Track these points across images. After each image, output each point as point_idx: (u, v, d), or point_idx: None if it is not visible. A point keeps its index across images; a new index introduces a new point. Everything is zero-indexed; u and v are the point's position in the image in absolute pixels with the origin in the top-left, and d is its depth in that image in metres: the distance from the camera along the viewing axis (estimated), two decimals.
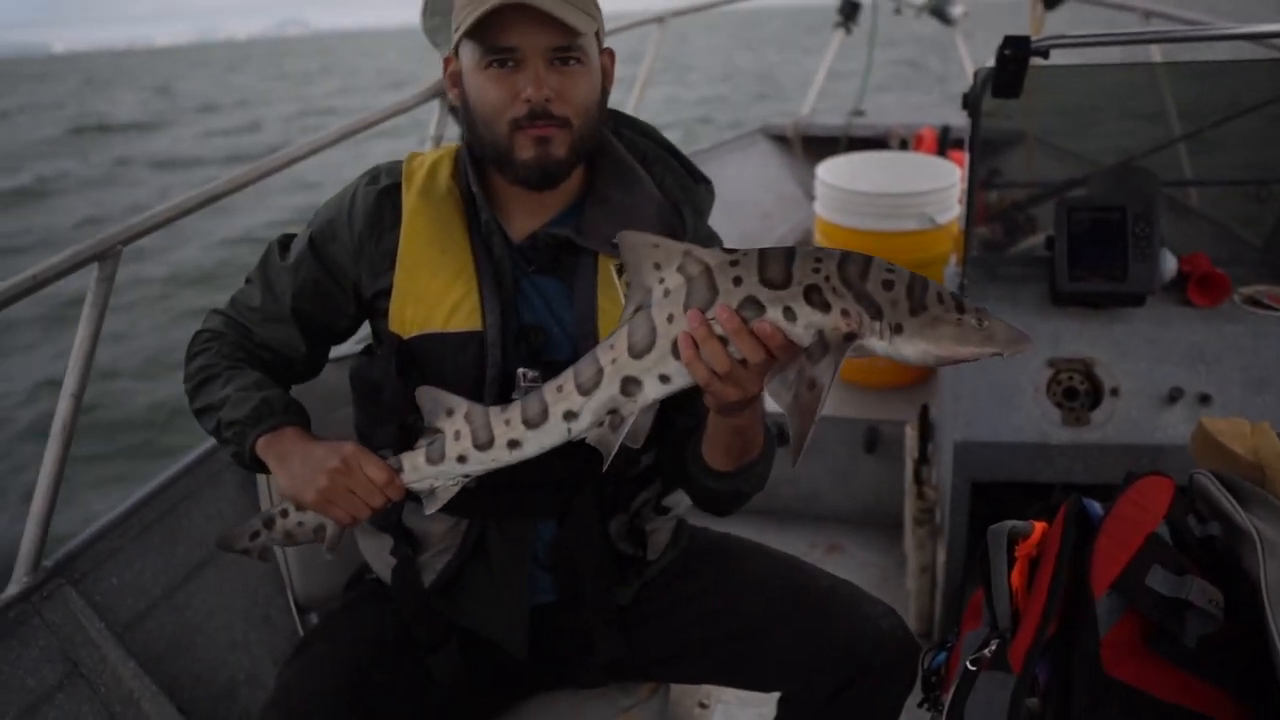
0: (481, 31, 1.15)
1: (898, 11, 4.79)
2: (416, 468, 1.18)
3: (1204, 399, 1.86)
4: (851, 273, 0.97)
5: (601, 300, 1.25)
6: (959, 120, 4.32)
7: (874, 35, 4.77)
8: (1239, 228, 2.48)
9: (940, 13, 4.57)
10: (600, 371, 1.07)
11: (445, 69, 1.28)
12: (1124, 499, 1.23)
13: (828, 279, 0.97)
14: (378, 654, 1.29)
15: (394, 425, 1.28)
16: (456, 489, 1.19)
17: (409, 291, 1.24)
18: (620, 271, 1.26)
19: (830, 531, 2.86)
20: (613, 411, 1.08)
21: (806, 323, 0.98)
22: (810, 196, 3.54)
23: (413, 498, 1.24)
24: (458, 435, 1.16)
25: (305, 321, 1.31)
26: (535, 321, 1.26)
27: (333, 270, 1.29)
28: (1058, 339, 1.93)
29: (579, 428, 1.10)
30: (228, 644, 1.82)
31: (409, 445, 1.22)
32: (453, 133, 2.81)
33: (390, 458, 1.20)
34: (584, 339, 1.24)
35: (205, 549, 1.85)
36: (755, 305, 0.99)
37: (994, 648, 1.23)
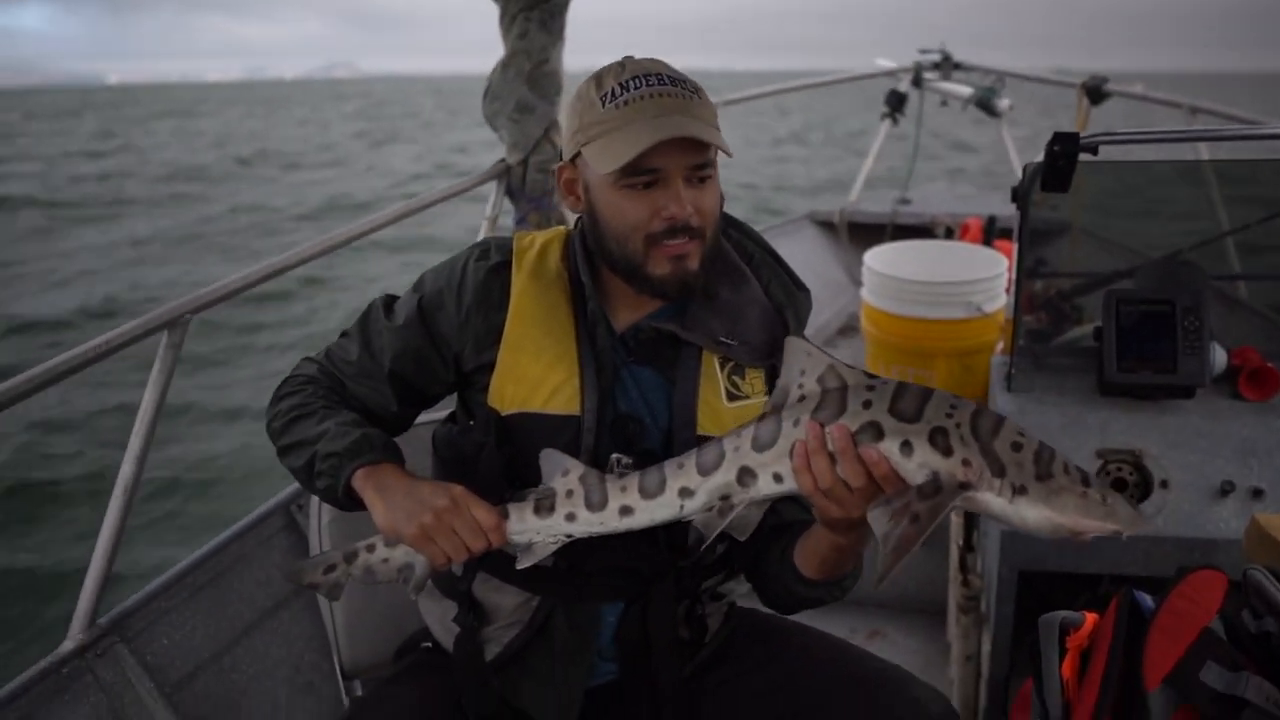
0: None
1: (944, 104, 4.87)
2: (523, 519, 1.18)
3: (1256, 493, 1.83)
4: (984, 426, 0.99)
5: (703, 393, 1.27)
6: (1004, 210, 4.37)
7: (919, 127, 4.85)
8: None
9: (986, 105, 4.64)
10: (722, 456, 1.10)
11: (559, 176, 1.30)
12: (1176, 593, 1.22)
13: (958, 426, 0.99)
14: None
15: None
16: (555, 547, 1.19)
17: (512, 370, 1.26)
18: (723, 366, 1.29)
19: (872, 617, 2.82)
20: (725, 497, 1.10)
21: (922, 461, 0.99)
22: (856, 282, 3.57)
23: (491, 564, 1.26)
24: (570, 494, 1.17)
25: (401, 384, 1.32)
26: (630, 410, 1.28)
27: (436, 339, 1.31)
28: (1106, 430, 1.92)
29: (692, 506, 1.12)
30: (271, 709, 1.84)
31: None
32: (508, 209, 2.91)
33: (497, 505, 1.21)
34: (681, 429, 1.26)
35: (254, 612, 1.87)
36: (875, 431, 1.01)
37: None
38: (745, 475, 1.09)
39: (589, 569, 1.25)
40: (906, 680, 1.32)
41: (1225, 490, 1.84)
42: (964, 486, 0.97)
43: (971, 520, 2.43)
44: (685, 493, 1.12)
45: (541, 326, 1.27)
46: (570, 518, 1.17)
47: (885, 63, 5.00)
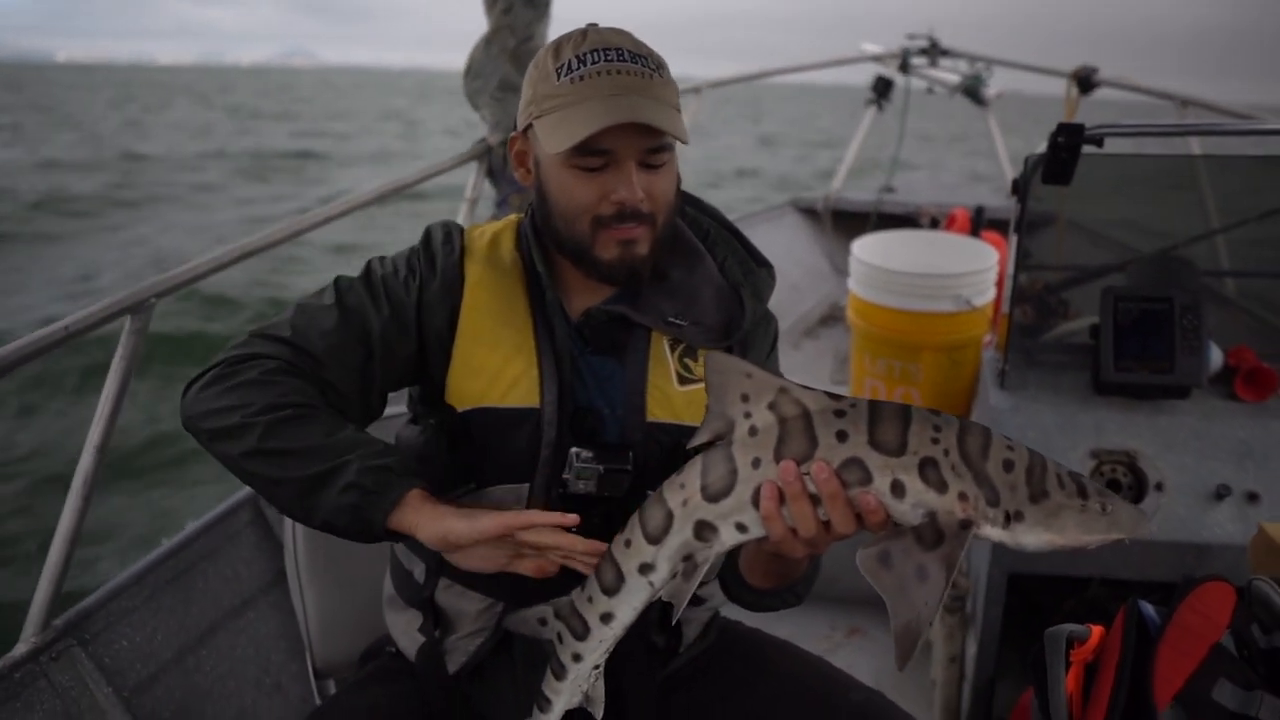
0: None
1: (930, 91, 4.83)
2: (555, 688, 1.12)
3: (1252, 497, 1.80)
4: (972, 447, 0.88)
5: (653, 376, 1.22)
6: (990, 200, 4.34)
7: (905, 114, 4.80)
8: (1278, 320, 2.44)
9: (973, 93, 4.60)
10: (670, 516, 0.97)
11: (511, 146, 1.24)
12: (1185, 606, 1.18)
13: (947, 453, 0.88)
14: None
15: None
16: (598, 678, 1.13)
17: (468, 363, 1.21)
18: (674, 349, 1.23)
19: (852, 614, 2.78)
20: (688, 558, 0.99)
21: (916, 501, 0.88)
22: (838, 271, 3.53)
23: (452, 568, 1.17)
24: (560, 637, 1.10)
25: (382, 364, 1.20)
26: (589, 402, 1.22)
27: (408, 312, 1.21)
28: (1100, 429, 1.88)
29: (661, 578, 1.01)
30: (237, 712, 1.76)
31: None
32: (488, 193, 2.83)
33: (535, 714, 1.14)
34: (631, 416, 1.21)
35: (219, 611, 1.80)
36: (860, 470, 0.89)
37: None
38: (704, 530, 0.96)
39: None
40: (889, 715, 1.27)
41: (1221, 494, 1.81)
42: (965, 525, 0.87)
43: None
44: (646, 569, 1.00)
45: (498, 317, 1.22)
46: (577, 658, 1.09)
47: (871, 47, 4.94)
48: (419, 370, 1.24)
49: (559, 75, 1.12)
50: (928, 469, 0.87)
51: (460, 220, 2.68)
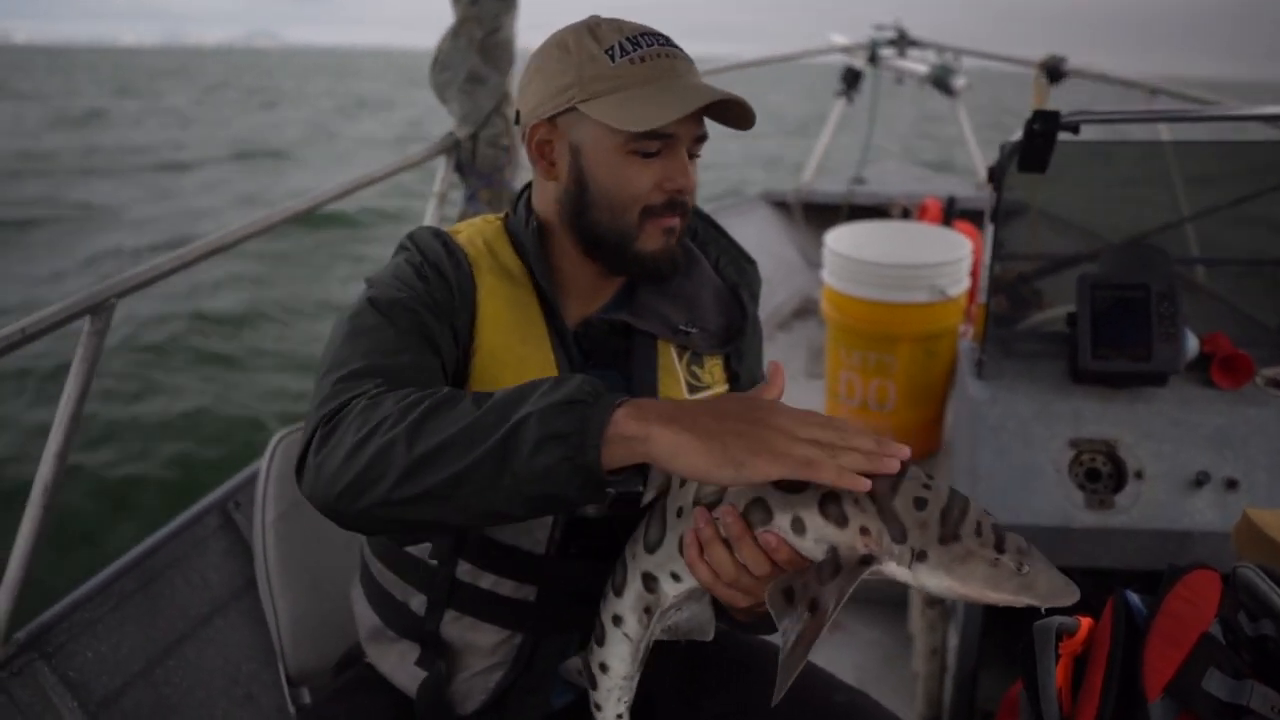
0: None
1: (899, 81, 4.83)
2: None
3: (1231, 484, 1.80)
4: (879, 483, 0.83)
5: (663, 388, 1.16)
6: (961, 190, 4.36)
7: (875, 105, 4.80)
8: (1250, 307, 2.45)
9: (942, 84, 4.60)
10: (625, 569, 1.00)
11: (530, 136, 1.13)
12: (1174, 595, 1.17)
13: None
14: None
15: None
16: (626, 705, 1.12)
17: (490, 386, 1.07)
18: (680, 357, 1.19)
19: None
20: (647, 610, 1.00)
21: (817, 536, 0.85)
22: (811, 263, 3.52)
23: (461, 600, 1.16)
24: (584, 691, 1.12)
25: (445, 369, 1.08)
26: None
27: (434, 340, 1.08)
28: (1079, 418, 1.88)
29: (633, 630, 1.02)
30: None
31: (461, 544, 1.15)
32: (456, 191, 2.78)
33: None
34: None
35: (187, 621, 1.75)
36: (763, 509, 0.87)
37: None
38: (649, 581, 0.97)
39: (558, 599, 1.14)
40: (874, 713, 1.24)
41: (1200, 481, 1.81)
42: (866, 561, 0.83)
43: None
44: (618, 620, 1.02)
45: (517, 333, 1.12)
46: (598, 708, 1.11)
47: (840, 39, 4.93)
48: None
49: (613, 57, 1.06)
50: (828, 504, 0.84)
51: (429, 217, 2.63)
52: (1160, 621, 1.14)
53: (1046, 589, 0.81)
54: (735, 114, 1.08)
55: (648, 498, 0.97)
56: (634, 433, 0.81)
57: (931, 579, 0.83)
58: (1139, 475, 1.83)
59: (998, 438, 1.86)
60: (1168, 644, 1.11)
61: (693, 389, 1.19)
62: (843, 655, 2.48)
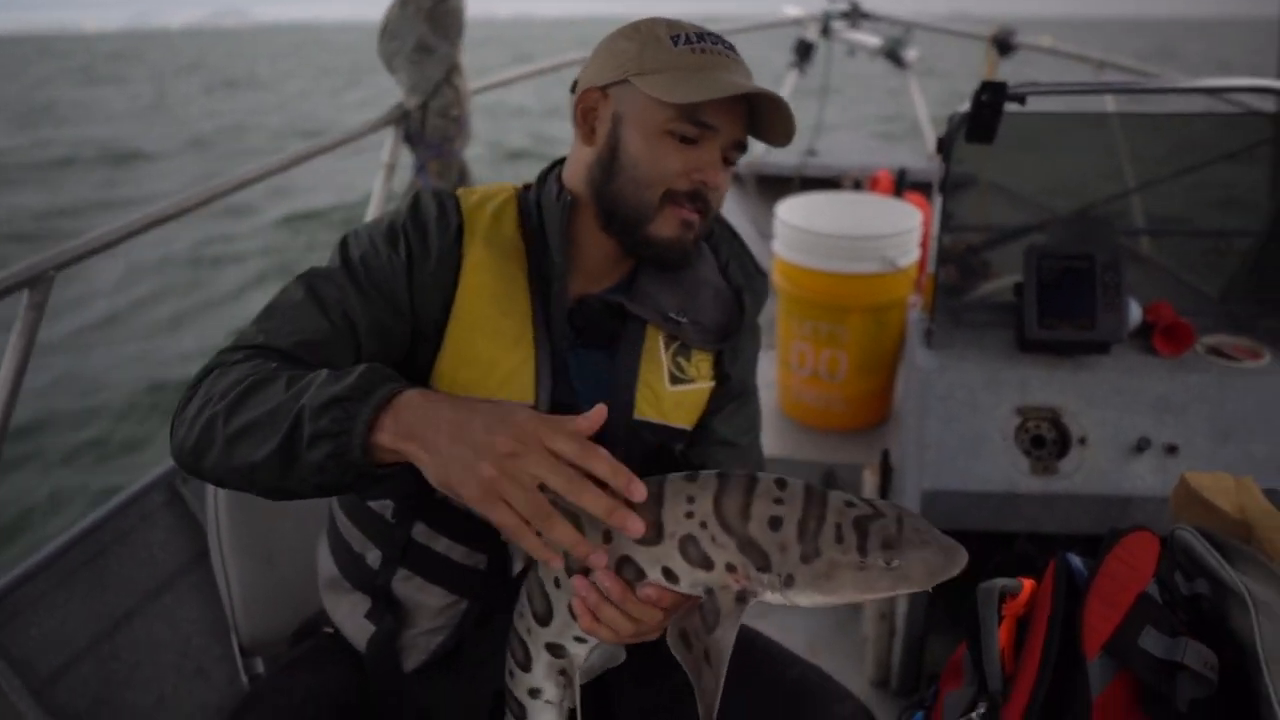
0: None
1: (851, 53, 4.84)
2: None
3: (1171, 449, 1.85)
4: (729, 510, 0.82)
5: (644, 373, 1.17)
6: (912, 162, 4.38)
7: (827, 77, 4.81)
8: (1192, 277, 2.50)
9: (894, 56, 4.63)
10: (525, 645, 1.01)
11: (579, 102, 1.14)
12: (1112, 557, 1.20)
13: (704, 524, 0.83)
14: None
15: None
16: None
17: (462, 352, 1.12)
18: (668, 346, 1.19)
19: None
20: (562, 672, 1.01)
21: (691, 581, 0.85)
22: (764, 235, 3.52)
23: (414, 560, 1.16)
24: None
25: (366, 356, 1.08)
26: (578, 400, 1.16)
27: (398, 295, 1.11)
28: (1025, 386, 1.91)
29: (554, 694, 1.04)
30: (157, 699, 1.70)
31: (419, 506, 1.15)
32: (405, 160, 2.75)
33: None
34: (618, 412, 1.15)
35: (134, 595, 1.73)
36: (633, 566, 0.86)
37: (983, 710, 1.18)
38: (555, 649, 0.99)
39: (507, 571, 1.15)
40: (826, 691, 1.25)
41: (1141, 446, 1.85)
42: (742, 598, 0.83)
43: (886, 478, 2.42)
44: (535, 693, 1.04)
45: (499, 304, 1.13)
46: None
47: (792, 10, 4.93)
48: (410, 354, 1.14)
49: (675, 43, 1.09)
50: (689, 547, 0.84)
51: (377, 189, 2.60)
52: (1099, 582, 1.17)
53: (923, 573, 0.81)
54: (777, 127, 1.11)
55: (517, 568, 0.98)
56: (388, 444, 0.85)
57: (804, 599, 0.83)
58: (1083, 441, 1.87)
59: (945, 406, 1.89)
60: (1106, 604, 1.14)
61: (675, 379, 1.20)
62: (795, 622, 2.51)
